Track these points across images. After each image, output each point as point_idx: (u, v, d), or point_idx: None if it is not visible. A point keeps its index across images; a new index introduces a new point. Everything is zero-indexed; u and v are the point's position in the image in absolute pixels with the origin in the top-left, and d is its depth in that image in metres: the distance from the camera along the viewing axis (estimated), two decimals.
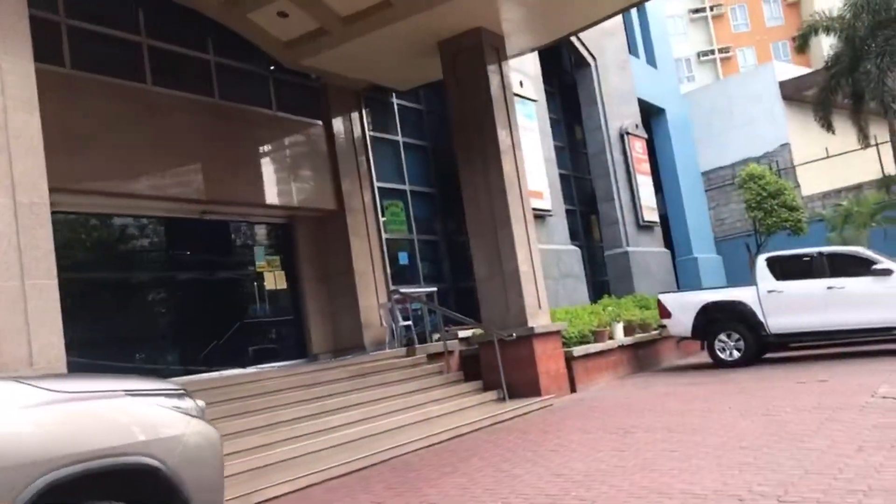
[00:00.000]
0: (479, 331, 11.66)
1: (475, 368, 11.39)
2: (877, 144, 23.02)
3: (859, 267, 11.89)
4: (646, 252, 19.53)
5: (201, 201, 10.95)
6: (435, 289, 13.01)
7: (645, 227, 19.88)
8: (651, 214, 20.30)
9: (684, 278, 22.31)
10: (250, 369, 10.74)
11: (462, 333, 12.07)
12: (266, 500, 6.57)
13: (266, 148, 12.00)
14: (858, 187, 23.71)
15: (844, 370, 10.62)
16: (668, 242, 22.37)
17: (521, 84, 15.17)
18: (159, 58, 10.66)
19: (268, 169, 11.92)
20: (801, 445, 6.19)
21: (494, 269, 11.51)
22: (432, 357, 11.44)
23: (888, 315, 11.45)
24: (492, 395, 10.78)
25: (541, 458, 7.06)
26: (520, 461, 7.01)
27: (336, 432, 8.47)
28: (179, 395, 3.55)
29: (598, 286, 18.72)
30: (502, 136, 11.76)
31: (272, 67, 12.32)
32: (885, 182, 21.09)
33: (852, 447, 5.91)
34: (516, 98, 14.46)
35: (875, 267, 11.71)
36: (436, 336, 12.08)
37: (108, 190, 9.78)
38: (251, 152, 11.72)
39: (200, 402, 3.69)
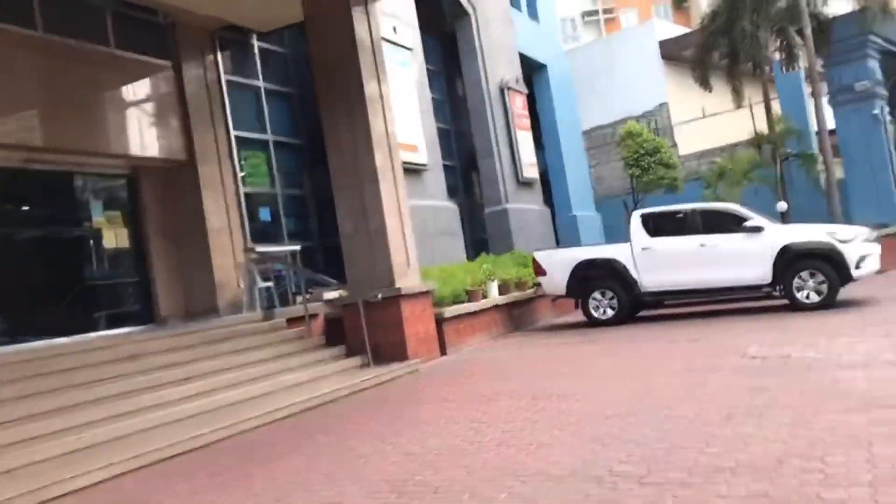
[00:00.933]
0: (344, 292, 10.88)
1: (340, 333, 10.63)
2: (750, 105, 23.40)
3: (731, 224, 11.75)
4: (525, 209, 19.13)
5: (24, 147, 9.61)
6: (298, 247, 12.12)
7: (525, 183, 19.45)
8: (531, 171, 19.88)
9: (564, 236, 22.15)
10: (78, 337, 9.55)
11: (328, 295, 11.27)
12: (67, 494, 5.62)
13: (103, 90, 10.67)
14: (733, 146, 24.10)
15: (715, 329, 10.46)
16: (549, 200, 22.11)
17: (394, 30, 14.25)
18: None
19: (105, 114, 10.62)
20: (670, 413, 5.76)
21: (360, 227, 10.69)
22: (293, 321, 10.60)
23: (758, 272, 11.37)
24: (356, 361, 10.05)
25: (394, 433, 6.40)
26: (370, 437, 6.33)
27: (170, 408, 7.55)
28: None
29: (479, 244, 18.21)
30: (369, 84, 10.85)
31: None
32: (757, 141, 21.41)
33: (721, 415, 5.51)
34: (389, 45, 13.62)
35: (746, 224, 11.59)
36: (300, 298, 11.22)
37: None
38: (84, 94, 10.37)
39: None
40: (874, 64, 20.12)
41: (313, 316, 10.72)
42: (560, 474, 4.62)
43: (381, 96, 11.02)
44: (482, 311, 12.24)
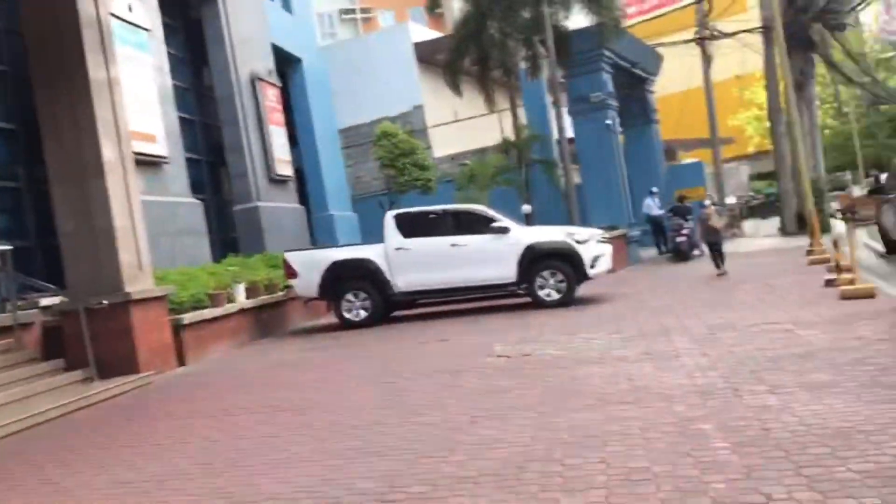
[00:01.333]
0: (64, 298, 9.64)
1: (60, 344, 9.39)
2: (498, 111, 24.40)
3: (480, 225, 11.99)
4: (278, 207, 18.38)
5: None
6: (10, 247, 10.53)
7: (278, 181, 18.70)
8: (285, 168, 19.16)
9: (320, 236, 21.67)
10: None
11: (47, 301, 9.94)
12: None
13: None
14: (484, 150, 24.98)
15: (464, 328, 10.56)
16: (304, 199, 21.51)
17: (129, 8, 12.96)
18: None
19: None
20: (416, 420, 5.56)
21: (83, 225, 9.52)
22: (1, 332, 9.18)
23: (505, 271, 11.67)
24: (77, 375, 8.90)
25: (111, 458, 5.61)
26: (81, 465, 5.50)
27: None
28: None
29: (227, 244, 17.20)
30: (95, 65, 9.70)
31: None
32: (505, 146, 22.34)
33: (466, 419, 5.40)
34: (122, 24, 12.42)
35: (493, 225, 11.88)
36: (9, 305, 9.76)
37: None
38: None
39: None
40: (607, 77, 21.70)
41: (27, 325, 9.37)
42: (295, 495, 4.22)
43: (110, 79, 9.93)
44: (227, 316, 11.43)
